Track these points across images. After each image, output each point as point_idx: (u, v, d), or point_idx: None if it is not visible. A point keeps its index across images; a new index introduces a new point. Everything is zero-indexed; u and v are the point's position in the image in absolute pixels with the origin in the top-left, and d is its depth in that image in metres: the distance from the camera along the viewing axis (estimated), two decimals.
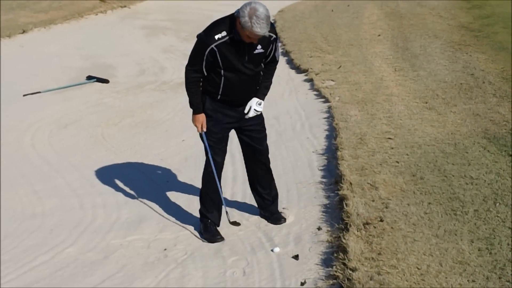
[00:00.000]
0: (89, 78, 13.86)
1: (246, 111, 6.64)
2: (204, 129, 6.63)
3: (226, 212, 7.07)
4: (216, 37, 6.12)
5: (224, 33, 6.12)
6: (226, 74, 6.35)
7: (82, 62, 15.41)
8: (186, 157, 9.51)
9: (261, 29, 5.95)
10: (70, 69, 14.70)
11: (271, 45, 6.43)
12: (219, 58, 6.20)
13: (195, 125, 6.67)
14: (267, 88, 6.78)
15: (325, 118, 10.31)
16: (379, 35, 15.70)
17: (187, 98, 6.61)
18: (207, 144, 6.71)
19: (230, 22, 6.16)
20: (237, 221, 7.19)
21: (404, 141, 8.76)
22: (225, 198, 7.27)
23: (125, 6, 21.30)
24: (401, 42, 14.81)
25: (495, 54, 12.96)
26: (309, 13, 19.30)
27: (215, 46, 6.12)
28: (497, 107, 9.84)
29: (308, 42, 15.57)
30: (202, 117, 6.60)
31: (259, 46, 6.30)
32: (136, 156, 9.73)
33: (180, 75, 13.77)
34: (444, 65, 12.54)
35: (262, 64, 6.54)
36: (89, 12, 20.21)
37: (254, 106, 6.65)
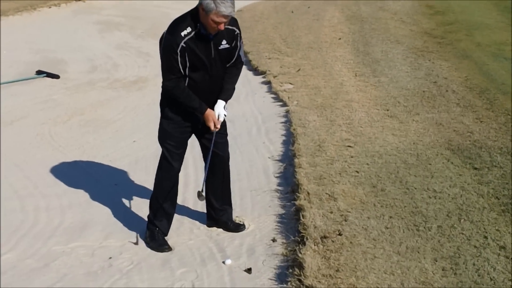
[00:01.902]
0: (39, 73, 13.40)
1: (216, 117, 6.30)
2: (218, 126, 6.30)
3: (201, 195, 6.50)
4: (182, 34, 5.89)
5: (189, 29, 5.91)
6: (191, 75, 6.10)
7: (32, 56, 14.90)
8: (136, 159, 9.13)
9: (226, 8, 5.73)
10: (19, 63, 14.19)
11: (235, 41, 6.23)
12: (187, 57, 5.95)
13: (209, 125, 6.28)
14: (231, 92, 6.48)
15: (282, 122, 10.01)
16: (340, 39, 15.48)
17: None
18: (212, 145, 6.38)
19: (192, 17, 5.95)
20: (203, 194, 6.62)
21: (364, 149, 8.49)
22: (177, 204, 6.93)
23: (79, 0, 20.74)
24: (362, 47, 14.60)
25: (459, 62, 12.83)
26: (268, 14, 19.06)
27: (183, 43, 5.88)
28: (460, 117, 9.62)
29: (267, 43, 15.29)
30: (211, 113, 6.25)
31: (224, 41, 6.10)
32: (84, 156, 9.31)
33: (133, 73, 13.48)
34: (406, 71, 12.34)
35: (226, 65, 6.31)
36: (42, 4, 19.61)
37: (222, 111, 6.34)
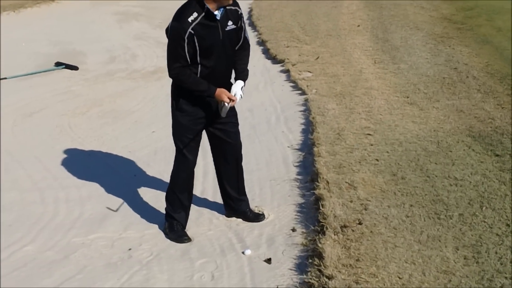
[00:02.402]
0: (58, 64, 13.42)
1: (233, 95, 6.19)
2: (234, 99, 6.20)
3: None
4: (190, 19, 5.82)
5: (195, 14, 5.85)
6: (203, 62, 6.02)
7: (51, 48, 14.92)
8: (155, 150, 9.11)
9: None
10: (38, 55, 14.23)
11: (240, 21, 6.18)
12: (196, 42, 5.87)
13: (223, 101, 6.14)
14: (246, 72, 6.41)
15: (301, 111, 9.92)
16: (359, 26, 15.35)
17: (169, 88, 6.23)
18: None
19: (196, 1, 5.90)
20: None
21: (384, 137, 8.41)
22: (195, 195, 6.93)
23: None
24: (381, 34, 14.47)
25: (479, 48, 12.65)
26: (286, 2, 18.92)
27: (191, 29, 5.81)
28: (482, 103, 9.50)
29: (285, 32, 15.18)
30: (221, 92, 6.12)
31: (230, 22, 6.06)
32: (103, 147, 9.30)
33: (151, 63, 13.46)
34: (426, 58, 12.21)
35: (235, 47, 6.27)
36: None
37: (239, 90, 6.27)
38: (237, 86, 6.27)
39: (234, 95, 6.21)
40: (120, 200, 7.53)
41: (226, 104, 6.15)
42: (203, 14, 5.85)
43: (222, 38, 6.03)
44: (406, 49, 12.93)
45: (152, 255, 6.35)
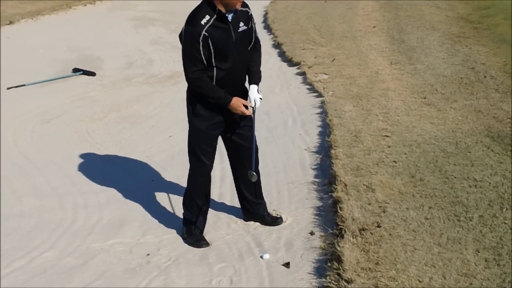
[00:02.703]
0: (75, 70, 13.43)
1: (252, 104, 6.22)
2: (252, 105, 6.21)
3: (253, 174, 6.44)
4: (202, 22, 5.84)
5: (207, 17, 5.86)
6: (218, 64, 6.01)
7: (68, 54, 14.94)
8: (172, 154, 9.12)
9: None
10: (56, 62, 14.25)
11: (250, 21, 6.19)
12: (211, 45, 5.87)
13: (240, 112, 6.15)
14: (259, 74, 6.40)
15: (318, 113, 9.92)
16: (374, 27, 15.34)
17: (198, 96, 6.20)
18: (254, 122, 6.33)
19: (208, 4, 5.93)
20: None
21: (401, 139, 8.39)
22: (212, 200, 6.95)
23: None
24: (397, 34, 14.44)
25: (496, 47, 12.61)
26: (301, 4, 18.92)
27: (205, 31, 5.82)
28: (500, 103, 9.47)
29: (301, 34, 15.17)
30: (237, 101, 6.12)
31: (241, 24, 6.06)
32: (121, 152, 9.32)
33: (168, 68, 13.49)
34: (443, 58, 12.18)
35: (247, 48, 6.26)
36: (77, 3, 19.72)
37: (257, 95, 6.27)
38: (253, 92, 6.26)
39: (254, 102, 6.22)
40: (137, 205, 7.55)
41: (245, 113, 6.17)
42: (215, 16, 5.87)
43: (235, 39, 6.02)
44: (422, 50, 12.90)
45: (170, 260, 6.35)
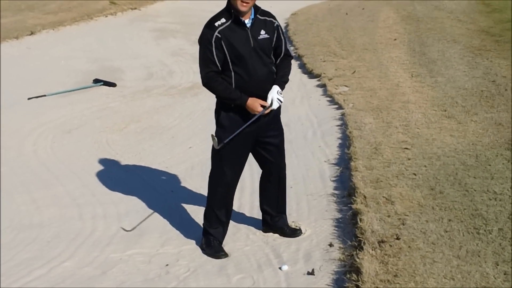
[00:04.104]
0: (96, 81, 13.53)
1: (268, 104, 6.14)
2: (269, 104, 6.14)
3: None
4: (216, 24, 5.93)
5: (223, 19, 5.95)
6: (236, 69, 6.02)
7: (89, 65, 15.06)
8: (192, 165, 9.13)
9: None
10: (77, 72, 14.36)
11: (276, 32, 6.17)
12: (224, 47, 5.92)
13: (256, 111, 6.10)
14: (285, 78, 6.35)
15: (338, 125, 9.90)
16: (395, 39, 15.32)
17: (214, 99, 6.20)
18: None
19: (226, 9, 6.01)
20: None
21: (421, 151, 8.35)
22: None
23: (135, 8, 21.00)
24: (418, 47, 14.41)
25: None
26: (322, 16, 18.97)
27: (218, 33, 5.89)
28: None
29: (321, 46, 15.19)
30: (254, 101, 6.07)
31: (262, 31, 6.07)
32: (141, 163, 9.35)
33: (188, 79, 13.54)
34: (464, 71, 12.13)
35: (271, 57, 6.22)
36: (98, 14, 19.88)
37: (276, 95, 6.16)
38: (273, 91, 6.17)
39: (271, 101, 6.14)
40: (156, 216, 7.55)
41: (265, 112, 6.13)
42: (232, 19, 5.93)
43: (254, 46, 6.02)
44: (443, 62, 12.86)
45: (189, 271, 6.33)
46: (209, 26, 5.96)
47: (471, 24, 16.35)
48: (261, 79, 6.15)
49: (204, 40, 5.97)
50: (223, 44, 5.90)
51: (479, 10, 17.98)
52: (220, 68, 6.00)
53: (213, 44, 5.89)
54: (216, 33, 5.88)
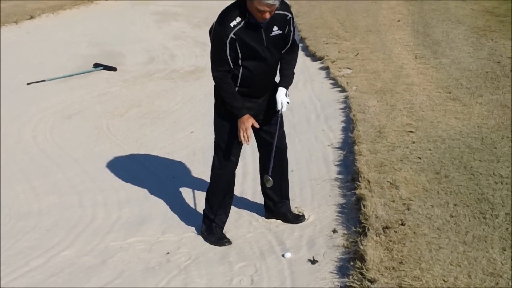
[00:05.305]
0: (96, 65, 13.40)
1: (279, 107, 6.12)
2: (248, 140, 6.08)
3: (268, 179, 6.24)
4: (232, 24, 5.70)
5: (238, 19, 5.72)
6: (245, 64, 5.91)
7: (89, 49, 14.94)
8: (194, 150, 9.02)
9: None
10: (77, 57, 14.24)
11: (288, 26, 6.00)
12: (238, 47, 5.77)
13: (240, 129, 6.04)
14: (291, 77, 6.28)
15: (341, 109, 9.79)
16: (399, 21, 15.17)
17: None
18: (275, 141, 6.24)
19: (240, 6, 5.75)
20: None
21: (426, 134, 8.23)
22: (234, 196, 6.78)
23: None
24: (422, 28, 14.26)
25: None
26: None
27: (233, 34, 5.70)
28: None
29: (324, 28, 15.04)
30: (247, 121, 6.03)
31: (275, 28, 5.88)
32: (142, 149, 9.23)
33: (190, 63, 13.39)
34: (468, 52, 11.99)
35: (281, 50, 6.11)
36: None
37: (284, 98, 6.14)
38: (281, 94, 6.13)
39: (281, 104, 6.11)
40: (157, 203, 7.45)
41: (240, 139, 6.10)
42: (247, 19, 5.73)
43: (266, 43, 5.89)
44: (447, 44, 12.72)
45: (190, 259, 6.25)
46: (224, 25, 5.73)
47: (475, 5, 16.17)
48: (268, 74, 6.13)
49: (218, 40, 5.80)
50: (237, 44, 5.76)
51: None
52: (232, 66, 5.89)
53: (227, 45, 5.73)
54: (231, 35, 5.70)
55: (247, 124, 6.02)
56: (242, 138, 6.05)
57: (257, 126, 6.10)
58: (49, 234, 6.95)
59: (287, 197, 6.81)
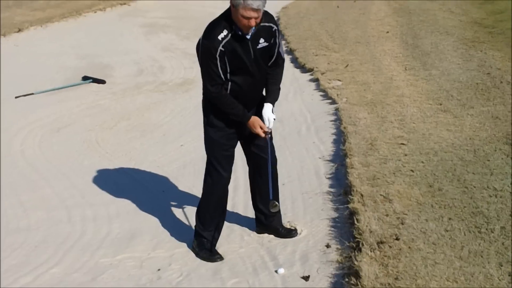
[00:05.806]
0: (85, 78, 13.30)
1: (266, 124, 6.08)
2: (267, 130, 6.10)
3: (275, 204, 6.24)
4: (219, 37, 5.68)
5: (225, 32, 5.69)
6: (233, 78, 5.88)
7: (78, 61, 14.83)
8: (184, 164, 8.94)
9: (253, 1, 5.49)
10: (66, 69, 14.14)
11: (273, 38, 5.98)
12: (227, 60, 5.75)
13: (257, 132, 6.05)
14: (277, 93, 6.27)
15: (332, 121, 9.72)
16: (388, 32, 15.14)
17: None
18: (269, 150, 6.20)
19: (226, 19, 5.75)
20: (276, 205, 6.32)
21: (418, 147, 8.18)
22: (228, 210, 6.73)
23: (124, 4, 20.74)
24: (411, 39, 14.25)
25: None
26: (313, 10, 18.78)
27: (222, 47, 5.68)
28: None
29: (313, 40, 14.99)
30: (256, 120, 6.03)
31: (261, 40, 5.87)
32: (131, 162, 9.15)
33: (179, 75, 13.33)
34: (458, 63, 11.98)
35: (267, 63, 6.09)
36: (87, 9, 19.62)
37: (271, 115, 6.12)
38: (267, 111, 6.12)
39: (268, 121, 6.10)
40: (147, 217, 7.35)
41: (261, 135, 6.07)
42: (233, 32, 5.71)
43: (254, 56, 5.87)
44: (437, 55, 12.71)
45: (182, 276, 6.17)
46: (212, 39, 5.71)
47: (463, 16, 16.18)
48: (256, 86, 6.11)
49: (208, 54, 5.76)
50: (226, 57, 5.73)
51: (471, 1, 17.78)
52: (224, 79, 5.85)
53: (218, 58, 5.71)
54: (220, 47, 5.68)
55: (257, 124, 6.02)
56: (263, 134, 6.06)
57: (264, 127, 6.07)
58: (37, 251, 6.86)
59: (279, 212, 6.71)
